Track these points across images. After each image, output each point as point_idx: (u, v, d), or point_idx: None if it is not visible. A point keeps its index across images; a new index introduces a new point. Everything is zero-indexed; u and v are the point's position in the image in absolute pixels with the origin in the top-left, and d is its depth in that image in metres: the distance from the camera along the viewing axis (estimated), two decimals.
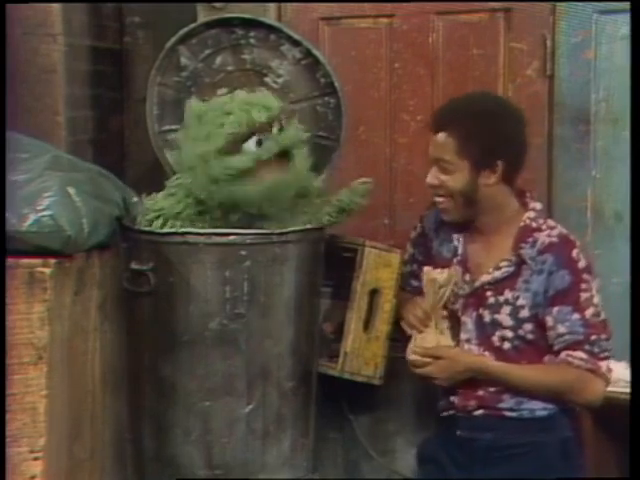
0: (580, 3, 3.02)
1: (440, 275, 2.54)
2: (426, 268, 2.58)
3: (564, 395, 2.46)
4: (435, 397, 2.72)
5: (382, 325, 2.87)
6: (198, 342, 2.63)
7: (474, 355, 2.51)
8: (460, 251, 2.58)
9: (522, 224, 2.51)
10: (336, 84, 2.85)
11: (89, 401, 2.62)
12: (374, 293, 2.88)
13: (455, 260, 2.58)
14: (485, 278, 2.52)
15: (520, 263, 2.48)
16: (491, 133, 2.46)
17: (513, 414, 2.50)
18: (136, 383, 2.74)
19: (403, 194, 3.22)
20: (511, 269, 2.49)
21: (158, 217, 2.62)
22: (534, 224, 2.51)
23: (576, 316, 2.43)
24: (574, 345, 2.43)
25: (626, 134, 2.91)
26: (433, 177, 2.52)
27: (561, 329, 2.44)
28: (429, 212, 2.69)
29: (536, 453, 2.46)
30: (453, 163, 2.47)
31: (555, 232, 2.50)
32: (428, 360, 2.50)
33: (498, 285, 2.50)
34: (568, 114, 3.06)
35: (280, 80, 2.88)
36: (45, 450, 2.37)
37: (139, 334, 2.71)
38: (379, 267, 2.86)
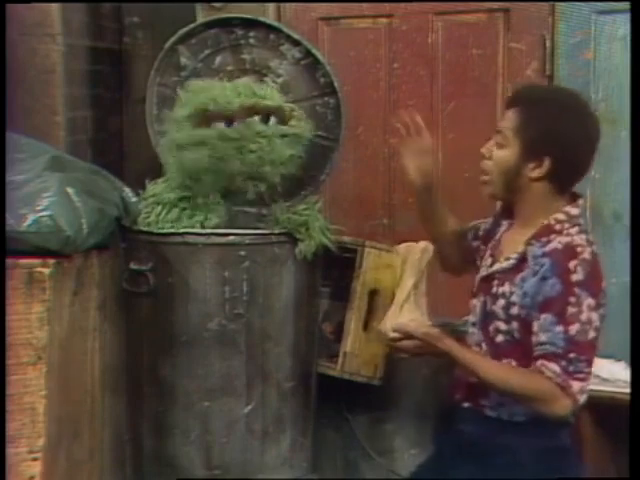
0: (579, 3, 3.02)
1: (414, 248, 2.54)
2: (401, 245, 2.59)
3: (529, 402, 2.42)
4: (433, 397, 2.72)
5: None
6: (197, 342, 2.63)
7: (446, 338, 2.46)
8: (497, 237, 2.56)
9: (546, 222, 2.47)
10: (335, 84, 2.85)
11: (88, 401, 2.62)
12: (374, 293, 2.88)
13: (489, 245, 2.56)
14: (496, 267, 2.50)
15: (524, 259, 2.46)
16: (547, 125, 2.43)
17: (493, 413, 2.48)
18: (135, 383, 2.74)
19: (402, 194, 3.21)
20: (516, 262, 2.47)
21: (155, 203, 2.74)
22: (557, 226, 2.46)
23: (559, 329, 2.38)
24: (551, 356, 2.39)
25: (625, 134, 2.91)
26: (487, 147, 2.51)
27: (542, 337, 2.40)
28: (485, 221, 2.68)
29: (509, 457, 2.44)
30: (507, 138, 2.44)
31: (566, 239, 2.43)
32: (399, 336, 2.46)
33: (503, 276, 2.49)
34: None
35: (279, 80, 2.88)
36: (44, 450, 2.36)
37: (138, 334, 2.71)
38: (379, 267, 2.86)
